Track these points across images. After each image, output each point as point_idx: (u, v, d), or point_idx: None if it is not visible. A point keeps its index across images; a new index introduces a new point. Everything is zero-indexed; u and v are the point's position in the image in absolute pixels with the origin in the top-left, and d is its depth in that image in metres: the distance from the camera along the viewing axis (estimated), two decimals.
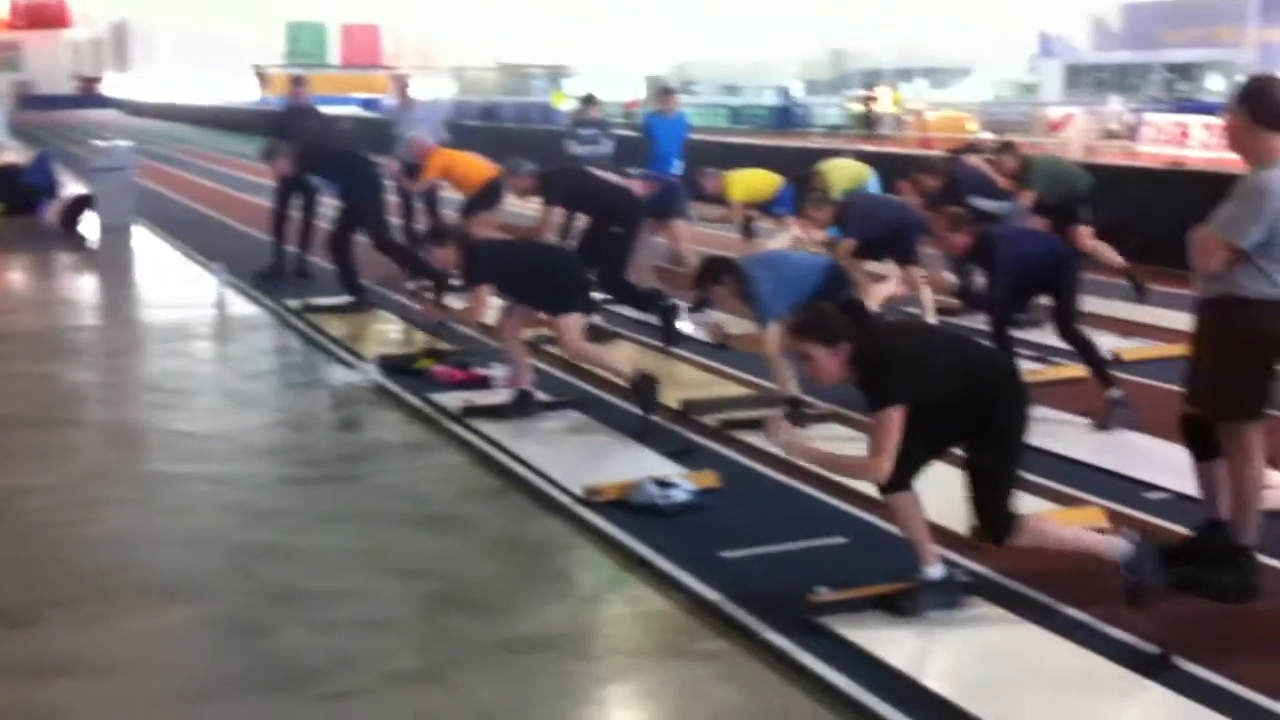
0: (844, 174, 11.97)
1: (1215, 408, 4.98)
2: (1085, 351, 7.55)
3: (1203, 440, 5.06)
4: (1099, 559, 4.77)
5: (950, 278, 10.14)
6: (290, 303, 10.95)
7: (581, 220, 10.33)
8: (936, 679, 4.24)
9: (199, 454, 7.02)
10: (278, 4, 73.31)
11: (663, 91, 15.70)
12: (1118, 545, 4.73)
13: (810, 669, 4.26)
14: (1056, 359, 8.10)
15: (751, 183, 12.49)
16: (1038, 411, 4.94)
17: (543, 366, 8.11)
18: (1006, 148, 11.34)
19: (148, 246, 15.13)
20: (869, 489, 5.02)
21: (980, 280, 8.66)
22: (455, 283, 10.09)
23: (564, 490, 6.10)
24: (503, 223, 11.04)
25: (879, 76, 47.27)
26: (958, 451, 4.77)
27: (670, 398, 7.64)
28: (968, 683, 4.21)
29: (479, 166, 11.67)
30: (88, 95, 75.72)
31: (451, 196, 12.44)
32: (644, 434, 7.03)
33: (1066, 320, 7.58)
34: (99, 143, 17.99)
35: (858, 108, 41.13)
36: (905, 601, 4.67)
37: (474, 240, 7.96)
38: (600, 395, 7.84)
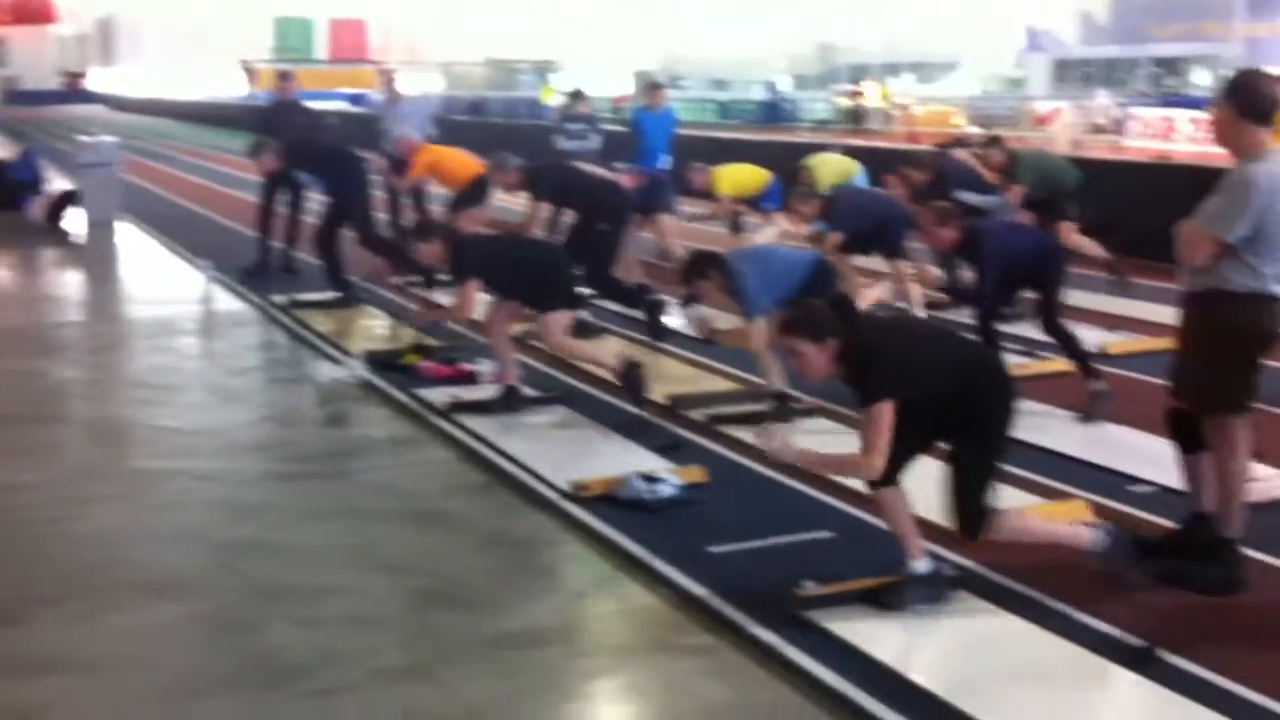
0: (832, 169, 11.96)
1: (1201, 401, 4.99)
2: (1068, 345, 7.58)
3: (1188, 433, 5.08)
4: (1073, 549, 4.81)
5: (936, 272, 10.16)
6: (276, 298, 10.92)
7: (569, 215, 10.31)
8: (922, 673, 4.25)
9: (185, 450, 7.01)
10: None
11: (651, 86, 15.68)
12: (1091, 535, 4.80)
13: (797, 664, 4.26)
14: (1043, 353, 8.11)
15: (739, 178, 12.48)
16: (1024, 405, 4.94)
17: (529, 362, 8.10)
18: (994, 142, 11.36)
19: (133, 242, 15.09)
20: (855, 483, 5.02)
21: (967, 275, 8.67)
22: (443, 278, 10.12)
23: (551, 486, 6.10)
24: (490, 219, 11.03)
25: (866, 71, 47.33)
26: (943, 445, 4.77)
27: (658, 393, 7.64)
28: (953, 677, 4.22)
29: (466, 163, 11.66)
30: (73, 91, 75.47)
31: (439, 192, 12.42)
32: (636, 423, 7.03)
33: (1050, 314, 7.61)
34: (85, 138, 17.91)
35: (845, 102, 41.14)
36: (891, 596, 4.67)
37: (460, 235, 7.95)
38: (587, 390, 7.84)
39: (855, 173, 12.08)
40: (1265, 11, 44.15)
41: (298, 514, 5.99)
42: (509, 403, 7.43)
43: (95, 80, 79.32)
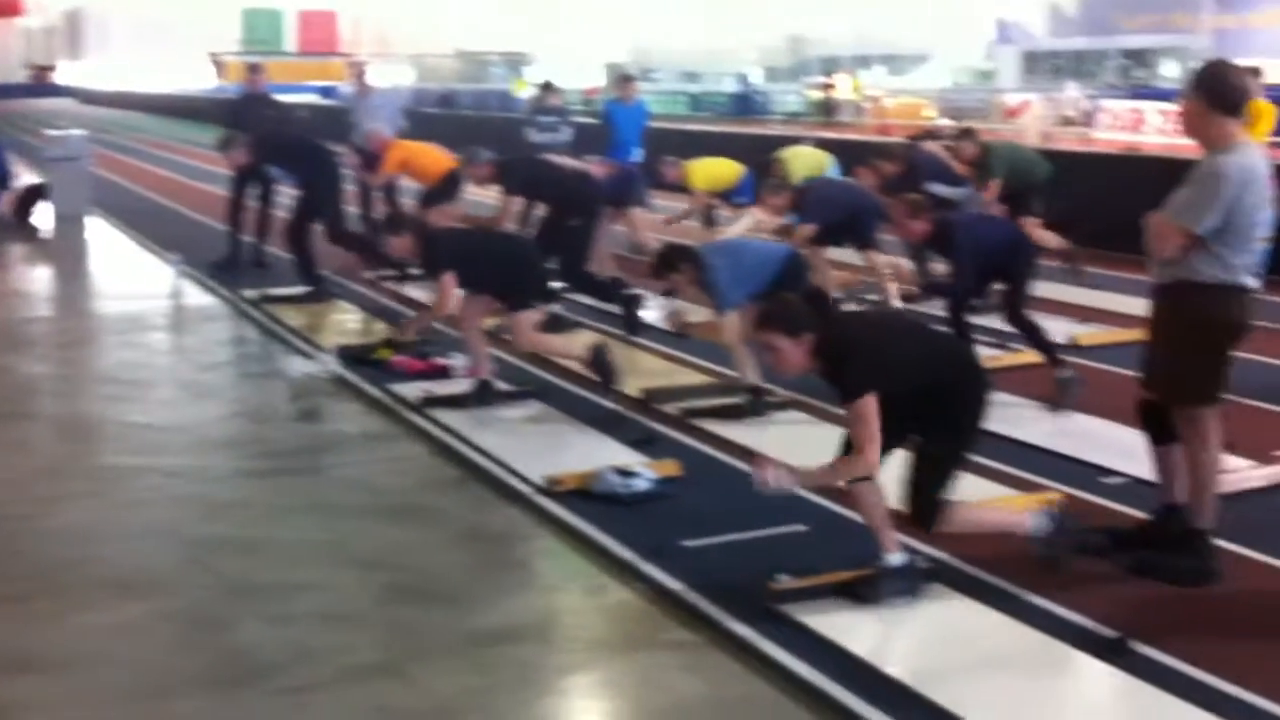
0: (804, 161, 11.97)
1: (1172, 393, 5.02)
2: (1033, 335, 7.65)
3: (1159, 425, 5.10)
4: (1017, 534, 4.88)
5: (905, 263, 10.19)
6: (247, 293, 10.86)
7: (541, 209, 10.29)
8: (897, 665, 4.25)
9: (155, 446, 6.96)
10: None
11: (622, 79, 15.67)
12: (1033, 521, 4.88)
13: (772, 658, 4.26)
14: (1014, 345, 8.13)
15: (713, 171, 12.48)
16: (996, 397, 4.96)
17: (503, 356, 8.08)
18: (966, 134, 11.39)
19: (103, 236, 14.98)
20: None
21: (938, 267, 8.70)
22: (415, 271, 10.07)
23: (525, 480, 6.08)
24: (462, 214, 10.99)
25: (838, 63, 47.29)
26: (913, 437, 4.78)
27: (632, 386, 7.64)
28: (927, 668, 4.23)
29: (437, 158, 11.61)
30: (41, 84, 74.84)
31: (410, 185, 12.37)
32: (611, 416, 7.02)
33: (1016, 306, 7.66)
34: (53, 132, 17.78)
35: (817, 95, 41.15)
36: (866, 589, 4.68)
37: (431, 229, 7.92)
38: (561, 384, 7.82)
39: (828, 165, 12.10)
40: (1233, 4, 44.38)
41: (269, 510, 5.96)
42: (482, 397, 7.41)
43: (63, 73, 78.70)
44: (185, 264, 11.95)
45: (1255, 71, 10.08)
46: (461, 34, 64.89)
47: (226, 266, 12.12)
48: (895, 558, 4.75)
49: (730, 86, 48.28)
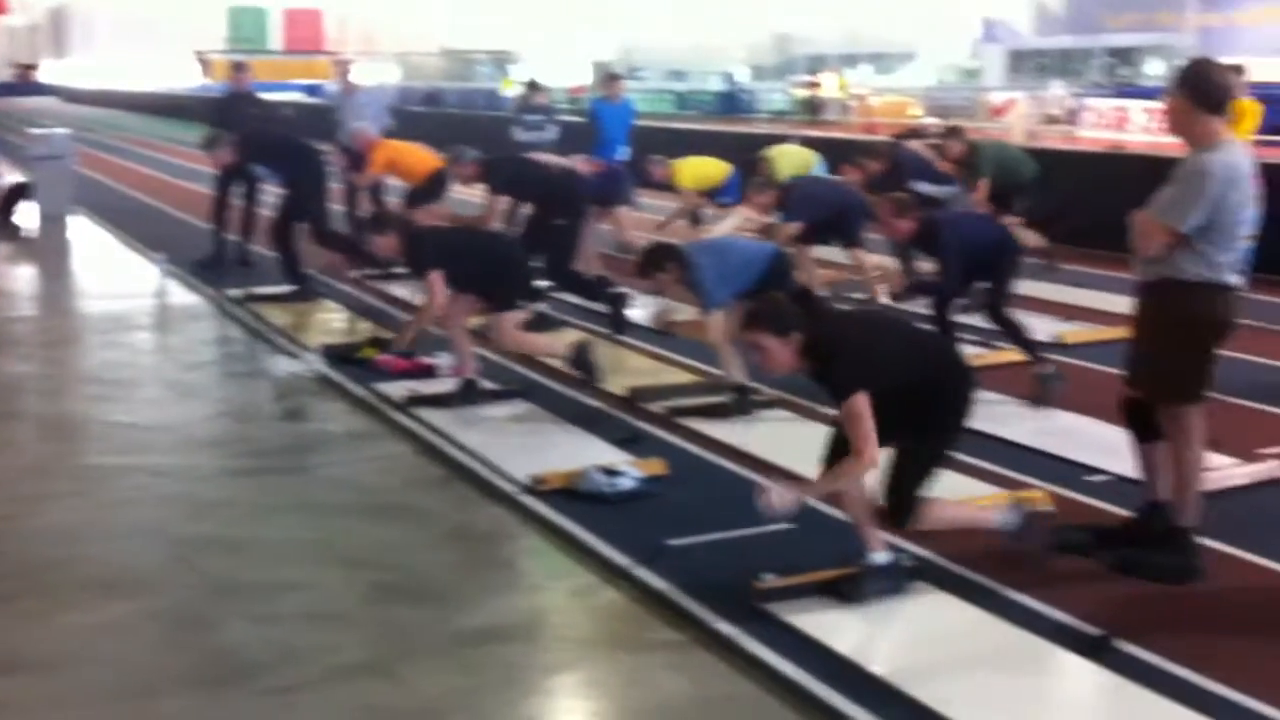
0: (790, 160, 12.00)
1: (1156, 391, 5.03)
2: (1013, 332, 7.68)
3: (1143, 423, 5.11)
4: (987, 530, 4.91)
5: (890, 262, 10.21)
6: (232, 292, 10.84)
7: (527, 208, 10.28)
8: (881, 664, 4.26)
9: (140, 446, 6.94)
10: None
11: (609, 77, 15.65)
12: (1003, 516, 4.94)
13: (757, 656, 4.27)
14: (999, 343, 8.15)
15: (700, 171, 12.48)
16: (981, 395, 4.96)
17: (488, 355, 8.07)
18: (953, 133, 11.41)
19: (87, 235, 14.93)
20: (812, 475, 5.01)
21: (924, 265, 8.72)
22: (398, 270, 10.06)
23: (510, 479, 6.08)
24: (448, 213, 10.99)
25: (824, 62, 47.29)
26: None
27: (618, 385, 7.64)
28: (912, 667, 4.23)
29: (424, 158, 11.59)
30: (25, 82, 74.48)
31: (396, 184, 12.34)
32: (596, 415, 7.03)
33: (998, 304, 7.68)
34: (37, 130, 17.70)
35: (803, 93, 41.15)
36: (850, 587, 4.69)
37: (416, 228, 7.91)
38: (546, 383, 7.82)
39: (814, 164, 12.13)
40: (1218, 2, 44.49)
41: (255, 509, 5.95)
42: (467, 396, 7.40)
43: (47, 72, 78.36)
44: (170, 263, 11.91)
45: (1239, 69, 10.11)
46: (447, 32, 64.78)
47: (211, 265, 12.09)
48: (880, 556, 4.76)
49: (716, 85, 48.25)
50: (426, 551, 5.40)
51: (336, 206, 12.53)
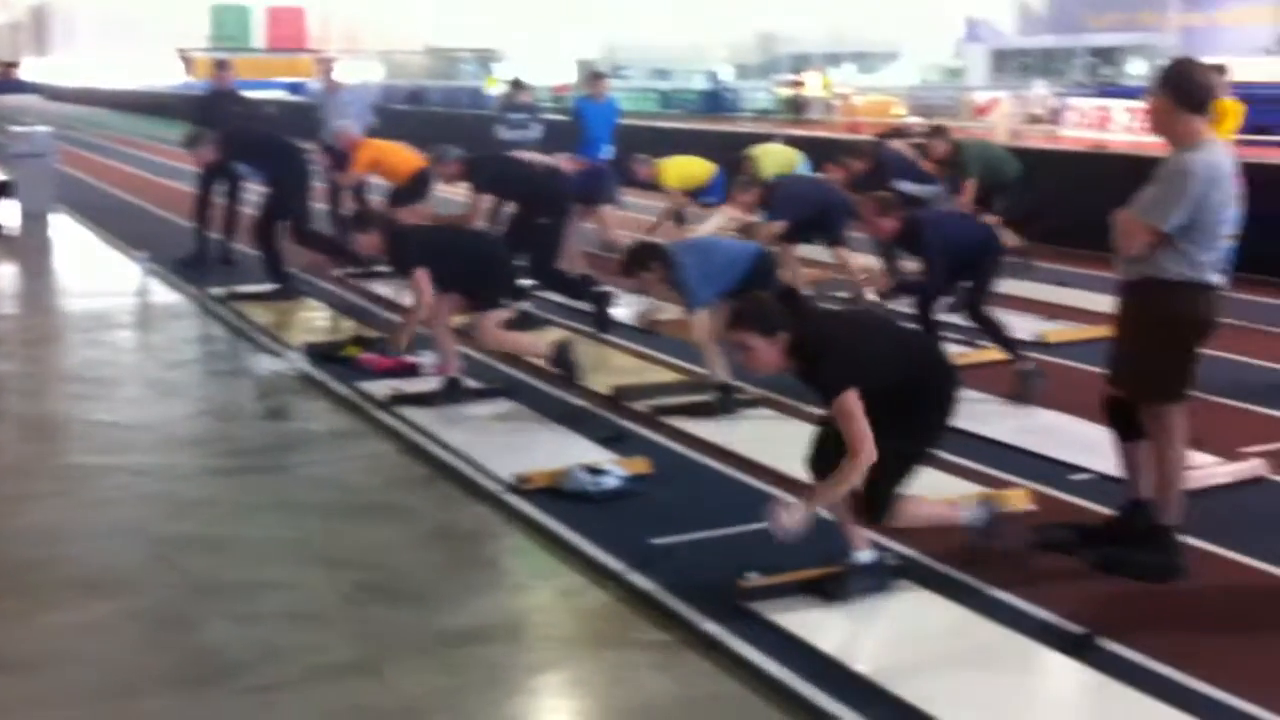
0: (775, 159, 12.00)
1: (1138, 390, 5.04)
2: (993, 331, 7.71)
3: (1126, 421, 5.13)
4: (955, 526, 4.95)
5: (873, 261, 10.22)
6: (214, 290, 10.80)
7: (511, 206, 10.27)
8: (865, 662, 4.26)
9: (121, 445, 6.91)
10: None
11: (593, 76, 15.64)
12: (972, 514, 4.98)
13: (742, 655, 4.27)
14: (981, 342, 8.16)
15: (685, 170, 12.47)
16: (964, 394, 4.97)
17: (472, 353, 8.05)
18: (938, 132, 11.42)
19: (69, 233, 14.87)
20: (799, 473, 5.02)
21: (907, 264, 8.73)
22: (379, 269, 10.05)
23: (494, 478, 6.06)
24: (431, 213, 10.97)
25: (807, 61, 47.34)
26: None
27: (602, 384, 7.64)
28: (896, 665, 4.24)
29: (407, 157, 11.57)
30: (6, 80, 74.06)
31: (380, 182, 12.31)
32: (580, 414, 7.03)
33: (978, 302, 7.70)
34: (18, 128, 17.60)
35: (786, 92, 41.19)
36: (835, 586, 4.69)
37: (399, 226, 7.88)
38: (530, 382, 7.81)
39: (798, 162, 12.13)
40: (1200, 2, 44.66)
41: (236, 509, 5.93)
42: (451, 395, 7.39)
43: (29, 69, 77.99)
44: (152, 261, 11.87)
45: (1221, 69, 10.14)
46: (431, 30, 64.66)
47: (193, 264, 12.05)
48: (864, 555, 4.76)
49: (701, 84, 48.27)
50: (410, 551, 5.39)
51: (320, 205, 12.51)
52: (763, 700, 4.04)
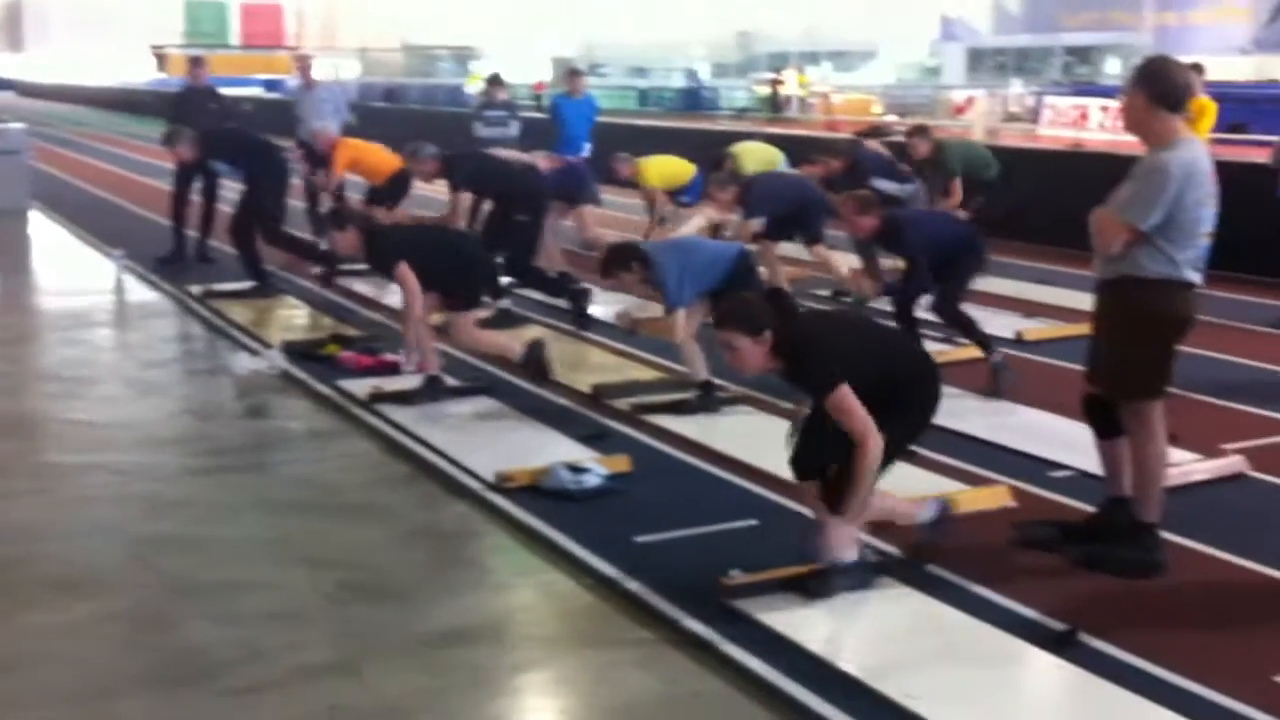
0: (755, 157, 12.00)
1: (1117, 387, 5.06)
2: (965, 327, 7.73)
3: (1105, 419, 5.14)
4: (912, 523, 4.95)
5: (854, 260, 10.23)
6: (192, 288, 10.76)
7: (488, 204, 10.24)
8: (848, 659, 4.27)
9: (99, 444, 6.87)
10: None
11: (571, 73, 15.62)
12: (923, 512, 4.97)
13: (724, 653, 4.27)
14: (961, 340, 8.18)
15: (666, 169, 12.45)
16: (945, 392, 4.98)
17: (452, 351, 8.03)
18: (920, 131, 11.44)
19: (44, 231, 14.78)
20: (784, 471, 5.02)
21: (885, 262, 8.74)
22: (355, 267, 10.02)
23: (475, 476, 6.05)
24: (408, 216, 10.95)
25: (785, 59, 47.40)
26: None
27: (582, 382, 7.63)
28: (879, 662, 4.24)
29: (386, 158, 11.53)
30: None
31: (357, 180, 12.26)
32: (561, 412, 7.07)
33: (951, 300, 7.73)
34: None
35: (765, 90, 41.25)
36: (817, 583, 4.69)
37: (377, 225, 7.85)
38: (511, 380, 7.79)
39: (779, 160, 12.13)
40: (1174, 1, 44.92)
41: (216, 508, 5.89)
42: (432, 393, 7.37)
43: (2, 66, 77.46)
44: (128, 259, 11.80)
45: (1198, 68, 10.21)
46: (408, 28, 64.48)
47: (171, 261, 12.00)
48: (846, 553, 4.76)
49: (679, 82, 48.32)
50: (391, 550, 5.37)
51: (297, 203, 12.46)
52: (746, 698, 4.05)
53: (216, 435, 7.08)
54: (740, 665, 4.19)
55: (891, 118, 30.24)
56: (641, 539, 5.27)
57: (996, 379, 7.44)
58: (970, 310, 7.95)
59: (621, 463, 6.18)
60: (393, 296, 8.80)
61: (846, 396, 4.46)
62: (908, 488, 5.28)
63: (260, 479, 6.33)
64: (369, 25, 64.62)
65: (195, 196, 12.33)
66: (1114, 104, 21.64)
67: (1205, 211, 4.91)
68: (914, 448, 5.39)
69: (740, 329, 4.57)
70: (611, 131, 17.08)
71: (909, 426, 4.78)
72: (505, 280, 9.30)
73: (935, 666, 4.22)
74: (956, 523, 5.17)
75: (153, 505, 5.91)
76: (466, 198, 9.87)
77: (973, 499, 5.68)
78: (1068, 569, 4.97)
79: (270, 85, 44.81)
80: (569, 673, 4.40)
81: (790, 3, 51.33)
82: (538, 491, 5.82)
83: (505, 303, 9.43)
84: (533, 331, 8.94)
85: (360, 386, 7.58)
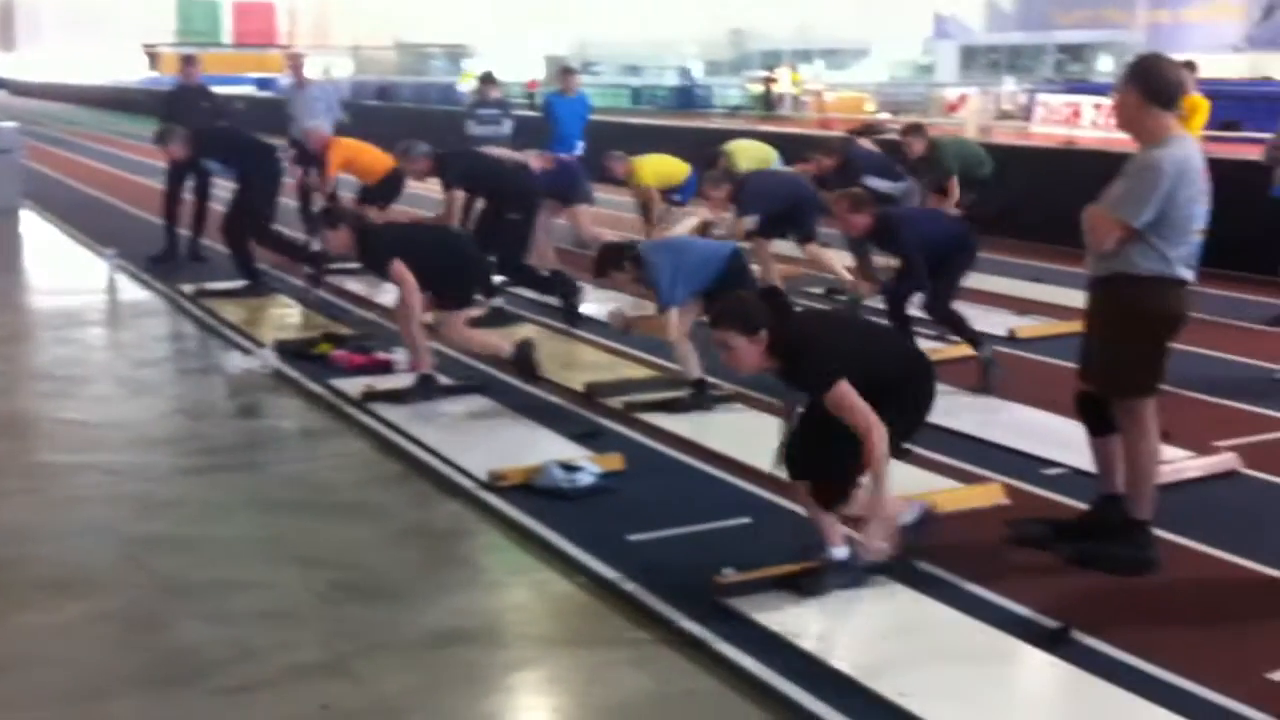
0: (749, 154, 11.99)
1: (1110, 384, 5.06)
2: (955, 325, 7.74)
3: (1098, 416, 5.15)
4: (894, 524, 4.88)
5: (848, 258, 10.23)
6: (184, 287, 10.74)
7: (480, 202, 10.24)
8: (841, 658, 4.27)
9: (92, 444, 6.85)
10: None
11: (564, 71, 15.59)
12: (905, 512, 4.95)
13: (718, 651, 4.26)
14: (953, 337, 8.19)
15: (662, 169, 12.43)
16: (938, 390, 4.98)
17: (444, 350, 8.02)
18: (915, 130, 11.43)
19: (36, 231, 14.75)
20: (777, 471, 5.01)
21: (877, 260, 8.76)
22: (347, 266, 10.01)
23: (468, 475, 6.04)
24: (399, 214, 10.94)
25: (778, 57, 47.41)
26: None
27: (575, 380, 7.62)
28: (871, 660, 4.24)
29: (380, 158, 11.51)
30: None
31: (349, 179, 12.24)
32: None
33: (942, 298, 7.73)
34: None
35: (758, 88, 41.25)
36: (810, 582, 4.69)
37: (369, 224, 7.84)
38: (504, 378, 7.78)
39: (773, 159, 12.13)
40: None
41: (208, 508, 5.88)
42: (424, 391, 7.35)
43: None
44: (121, 258, 11.78)
45: (1190, 66, 10.22)
46: (401, 26, 64.43)
47: (163, 260, 11.98)
48: (839, 551, 4.76)
49: (672, 80, 48.32)
50: (384, 549, 5.36)
51: (290, 201, 12.44)
52: (740, 696, 4.04)
53: (209, 434, 7.06)
54: (733, 663, 4.19)
55: (884, 115, 30.25)
56: (634, 537, 5.27)
57: (986, 375, 7.45)
58: (962, 308, 7.96)
59: (614, 461, 6.17)
60: (385, 295, 8.79)
61: (847, 393, 4.45)
62: (901, 486, 5.27)
63: (253, 478, 6.32)
64: (361, 23, 64.55)
65: (187, 195, 12.31)
66: (1107, 101, 21.64)
67: (1198, 209, 4.91)
68: (909, 446, 5.38)
69: (736, 328, 4.56)
70: (604, 130, 17.06)
71: (904, 425, 4.77)
72: (497, 279, 9.30)
73: (928, 664, 4.22)
74: (940, 523, 5.17)
75: (145, 505, 5.90)
76: (460, 195, 9.85)
77: (966, 497, 5.68)
78: (1060, 566, 4.97)
79: (263, 84, 44.74)
80: (562, 671, 4.39)
81: (783, 1, 51.33)
82: (530, 490, 5.82)
83: (498, 301, 9.42)
84: (525, 330, 8.94)
85: (353, 385, 7.56)
